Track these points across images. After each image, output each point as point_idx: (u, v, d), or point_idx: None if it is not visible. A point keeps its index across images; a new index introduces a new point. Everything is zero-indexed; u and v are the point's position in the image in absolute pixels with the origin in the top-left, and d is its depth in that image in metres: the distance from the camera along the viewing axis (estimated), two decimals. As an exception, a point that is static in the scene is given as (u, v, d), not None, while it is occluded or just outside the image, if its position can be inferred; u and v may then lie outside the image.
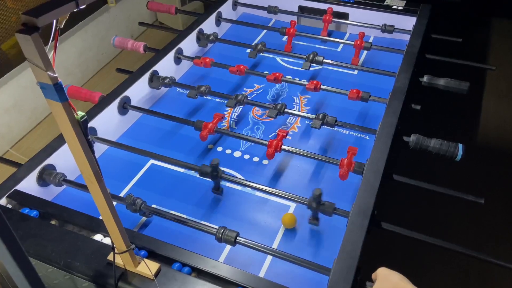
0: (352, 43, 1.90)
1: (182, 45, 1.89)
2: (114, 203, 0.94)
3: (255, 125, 1.65)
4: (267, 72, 1.74)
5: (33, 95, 2.60)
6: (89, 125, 1.43)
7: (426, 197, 1.65)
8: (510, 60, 3.27)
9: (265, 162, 1.48)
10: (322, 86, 1.63)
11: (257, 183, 1.26)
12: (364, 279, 0.97)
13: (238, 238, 1.08)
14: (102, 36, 3.12)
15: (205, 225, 1.15)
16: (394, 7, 2.09)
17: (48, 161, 1.33)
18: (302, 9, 2.26)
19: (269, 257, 1.17)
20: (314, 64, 1.80)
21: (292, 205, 1.33)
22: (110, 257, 0.98)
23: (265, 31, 2.19)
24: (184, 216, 1.25)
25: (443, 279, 1.91)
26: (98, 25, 3.08)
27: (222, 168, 1.29)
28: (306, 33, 2.03)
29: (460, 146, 1.27)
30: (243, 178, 1.39)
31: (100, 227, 1.11)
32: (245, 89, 1.83)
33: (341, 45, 2.09)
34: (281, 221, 1.27)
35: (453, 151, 1.27)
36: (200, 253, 1.05)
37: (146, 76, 1.71)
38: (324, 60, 1.77)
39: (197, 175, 1.41)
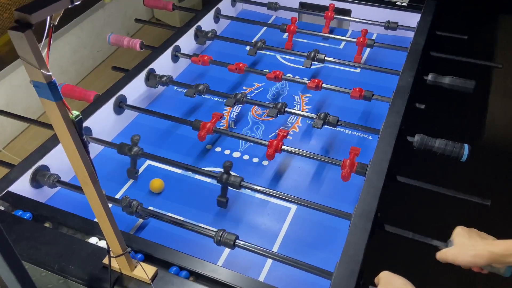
0: (355, 40, 1.90)
1: (179, 42, 1.89)
2: (110, 205, 0.94)
3: (255, 124, 1.65)
4: (267, 70, 1.75)
5: (26, 94, 2.60)
6: (84, 124, 1.42)
7: (430, 199, 1.65)
8: (517, 58, 3.27)
9: (265, 163, 1.48)
10: (323, 85, 1.63)
11: (257, 185, 1.26)
12: (367, 283, 0.97)
13: (237, 241, 1.08)
14: (97, 33, 3.12)
15: (203, 227, 1.15)
16: (398, 3, 2.10)
17: (42, 162, 1.33)
18: (303, 5, 2.26)
19: (269, 261, 1.17)
20: (315, 62, 1.80)
21: (293, 207, 1.33)
22: (105, 260, 0.98)
23: (265, 28, 2.19)
24: (182, 218, 1.25)
25: (448, 284, 1.91)
26: (93, 22, 3.09)
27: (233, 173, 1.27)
28: (307, 30, 2.03)
29: (466, 146, 1.27)
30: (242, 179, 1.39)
31: (95, 229, 1.11)
32: (244, 87, 1.84)
33: (343, 43, 2.09)
34: (150, 187, 1.36)
35: (459, 152, 1.27)
36: (198, 256, 1.05)
37: (143, 74, 1.71)
38: (326, 58, 1.77)
39: (196, 177, 1.42)
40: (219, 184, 1.27)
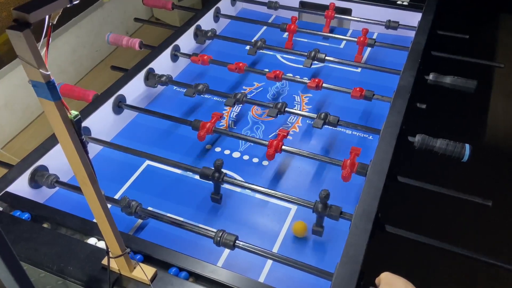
0: (355, 39, 1.90)
1: (179, 42, 1.89)
2: (109, 205, 0.94)
3: (255, 124, 1.65)
4: (267, 70, 1.75)
5: (25, 93, 2.60)
6: (83, 124, 1.43)
7: (431, 199, 1.65)
8: (519, 57, 3.27)
9: (265, 163, 1.48)
10: (324, 85, 1.63)
11: (256, 185, 1.26)
12: (368, 284, 0.97)
13: (237, 241, 1.09)
14: (96, 33, 3.12)
15: (203, 228, 1.15)
16: (399, 2, 2.10)
17: (40, 162, 1.33)
18: (303, 4, 2.26)
19: (269, 262, 1.17)
20: (315, 62, 1.80)
21: (293, 208, 1.33)
22: (104, 261, 0.98)
23: (265, 27, 2.19)
24: (181, 219, 1.25)
25: (449, 284, 1.91)
26: (92, 21, 3.08)
27: (225, 171, 1.28)
28: (308, 29, 2.03)
29: (467, 146, 1.27)
30: (242, 179, 1.39)
31: (94, 230, 1.11)
32: (244, 87, 1.84)
33: (344, 42, 2.09)
34: (292, 230, 1.26)
35: (460, 152, 1.27)
36: (198, 257, 1.05)
37: (142, 74, 1.71)
38: (326, 58, 1.77)
39: (196, 177, 1.42)
40: (227, 188, 1.27)
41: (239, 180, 1.34)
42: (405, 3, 2.09)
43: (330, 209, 1.14)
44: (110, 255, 0.93)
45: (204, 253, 1.17)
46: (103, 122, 1.55)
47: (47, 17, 0.62)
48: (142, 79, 1.71)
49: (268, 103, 1.59)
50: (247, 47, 1.96)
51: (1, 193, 1.22)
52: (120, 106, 1.60)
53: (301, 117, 1.67)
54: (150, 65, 1.74)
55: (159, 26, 2.43)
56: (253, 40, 1.93)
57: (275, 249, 1.22)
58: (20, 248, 1.05)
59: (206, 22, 2.07)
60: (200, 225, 1.19)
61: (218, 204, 1.33)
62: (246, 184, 1.27)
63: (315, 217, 1.18)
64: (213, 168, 1.26)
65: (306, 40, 2.11)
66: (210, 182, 1.28)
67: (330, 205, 1.15)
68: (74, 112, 0.71)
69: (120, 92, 1.61)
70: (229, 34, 2.07)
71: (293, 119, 1.67)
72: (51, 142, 1.37)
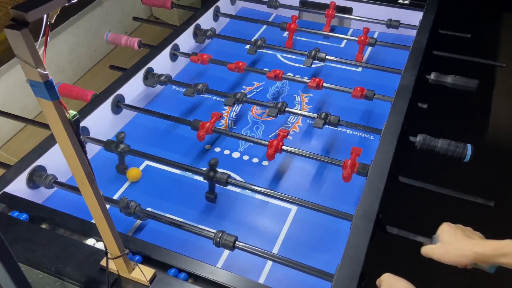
0: (356, 39, 1.90)
1: (178, 41, 1.89)
2: (107, 206, 0.94)
3: (255, 124, 1.65)
4: (267, 69, 1.75)
5: (22, 93, 2.60)
6: (81, 124, 1.43)
7: (433, 200, 1.65)
8: (521, 57, 3.27)
9: (265, 163, 1.48)
10: (324, 84, 1.63)
11: (256, 185, 1.26)
12: (369, 286, 0.97)
13: (237, 242, 1.09)
14: (94, 32, 3.12)
15: (202, 229, 1.15)
16: (400, 1, 2.10)
17: (38, 162, 1.33)
18: (303, 3, 2.26)
19: (269, 263, 1.17)
20: (316, 61, 1.80)
21: (293, 208, 1.33)
22: (103, 262, 0.98)
23: (265, 26, 2.19)
24: (181, 219, 1.25)
25: (451, 286, 1.91)
26: (91, 20, 3.08)
27: (224, 171, 1.28)
28: (308, 28, 2.03)
29: (469, 146, 1.27)
30: (242, 180, 1.39)
31: (92, 231, 1.11)
32: (244, 87, 1.84)
33: (345, 41, 2.10)
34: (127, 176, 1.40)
35: (461, 152, 1.27)
36: (197, 258, 1.05)
37: (141, 73, 1.71)
38: (327, 57, 1.77)
39: (195, 177, 1.42)
40: (217, 185, 1.27)
41: (239, 181, 1.34)
42: (406, 2, 2.09)
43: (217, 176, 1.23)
44: (109, 256, 0.93)
45: (203, 254, 1.17)
46: (101, 122, 1.55)
47: (45, 16, 0.62)
48: (141, 79, 1.71)
49: (268, 102, 1.59)
50: (247, 46, 1.96)
51: (-1, 194, 1.22)
52: (118, 105, 1.60)
53: (301, 117, 1.67)
54: (149, 65, 1.74)
55: (158, 25, 2.43)
56: (253, 39, 1.93)
57: (275, 250, 1.22)
58: (18, 249, 1.05)
59: (206, 21, 2.07)
60: (200, 226, 1.19)
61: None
62: (246, 185, 1.27)
63: (208, 185, 1.29)
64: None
65: (306, 39, 2.11)
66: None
67: (218, 171, 1.24)
68: (72, 112, 0.71)
69: (119, 91, 1.61)
70: (228, 33, 2.07)
71: (293, 119, 1.67)
72: (49, 142, 1.37)
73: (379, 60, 1.94)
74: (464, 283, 1.92)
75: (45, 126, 1.45)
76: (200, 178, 1.41)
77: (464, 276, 1.94)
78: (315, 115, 1.49)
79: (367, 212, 1.12)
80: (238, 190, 1.38)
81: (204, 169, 1.29)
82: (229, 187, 1.38)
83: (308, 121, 1.65)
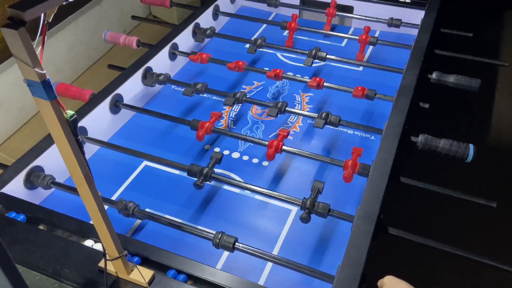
0: (357, 38, 1.90)
1: (177, 40, 1.89)
2: (106, 207, 0.94)
3: (255, 124, 1.65)
4: (267, 69, 1.75)
5: (20, 93, 2.60)
6: (79, 124, 1.43)
7: (435, 201, 1.65)
8: (524, 56, 3.27)
9: (265, 163, 1.48)
10: (325, 83, 1.63)
11: (256, 186, 1.26)
12: (370, 287, 0.97)
13: (236, 243, 1.09)
14: (93, 31, 3.12)
15: (201, 230, 1.15)
16: (402, 0, 2.10)
17: (36, 162, 1.33)
18: (304, 2, 2.27)
19: (269, 264, 1.17)
20: (316, 60, 1.80)
21: (294, 209, 1.33)
22: (101, 264, 0.98)
23: (265, 25, 2.19)
24: (180, 220, 1.25)
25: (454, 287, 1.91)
26: (89, 19, 3.08)
27: (225, 172, 1.28)
28: (308, 27, 2.03)
29: (471, 146, 1.27)
30: (242, 180, 1.39)
31: (90, 232, 1.11)
32: (244, 86, 1.84)
33: (345, 40, 2.10)
34: None
35: (464, 152, 1.27)
36: (197, 259, 1.05)
37: (140, 72, 1.71)
38: (327, 56, 1.77)
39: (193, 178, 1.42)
40: (217, 186, 1.27)
41: (238, 181, 1.34)
42: (407, 1, 2.09)
43: (318, 207, 1.16)
44: (107, 257, 0.93)
45: (203, 255, 1.17)
46: (100, 122, 1.55)
47: (42, 15, 0.62)
48: (139, 78, 1.71)
49: (268, 102, 1.59)
50: (247, 46, 1.96)
51: (-4, 194, 1.22)
52: (117, 105, 1.60)
53: (301, 117, 1.67)
54: (147, 64, 1.74)
55: (157, 24, 2.43)
56: (252, 38, 1.93)
57: (275, 251, 1.22)
58: (15, 250, 1.05)
59: (205, 20, 2.07)
60: (199, 227, 1.19)
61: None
62: (246, 185, 1.27)
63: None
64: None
65: (306, 38, 2.11)
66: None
67: (319, 203, 1.16)
68: (70, 112, 0.71)
69: (117, 91, 1.61)
70: (228, 32, 2.07)
71: (293, 119, 1.67)
72: (46, 142, 1.37)
73: (381, 59, 1.94)
74: (466, 284, 1.92)
75: (43, 126, 1.45)
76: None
77: (465, 277, 1.94)
78: (315, 115, 1.49)
79: (368, 213, 1.12)
80: (237, 190, 1.38)
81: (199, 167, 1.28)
82: (229, 188, 1.38)
83: (308, 121, 1.65)
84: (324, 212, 1.15)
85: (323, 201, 1.18)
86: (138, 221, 1.27)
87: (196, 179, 1.28)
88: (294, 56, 1.99)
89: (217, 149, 1.54)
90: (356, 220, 1.11)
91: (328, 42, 2.09)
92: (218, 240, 1.09)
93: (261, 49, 1.94)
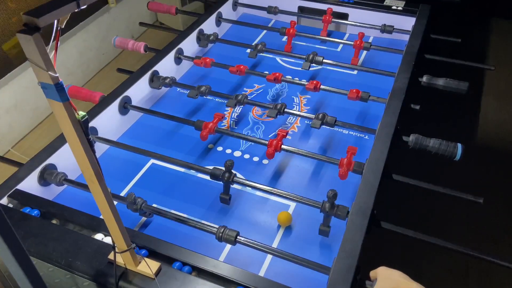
0: (352, 43, 1.90)
1: (182, 45, 1.89)
2: (115, 202, 0.94)
3: (255, 125, 1.65)
4: (267, 72, 1.74)
5: (34, 95, 2.60)
6: (90, 124, 1.43)
7: (425, 197, 1.65)
8: (509, 60, 3.27)
9: (265, 161, 1.48)
10: (321, 86, 1.63)
11: (257, 183, 1.26)
12: (364, 278, 0.97)
13: (238, 237, 1.08)
14: (102, 37, 3.12)
15: (205, 224, 1.15)
16: (394, 7, 2.09)
17: (49, 160, 1.33)
18: (302, 9, 2.26)
19: (269, 256, 1.17)
20: (314, 64, 1.80)
21: (292, 205, 1.33)
22: (111, 256, 0.98)
23: (265, 31, 2.19)
24: (185, 215, 1.25)
25: (442, 278, 1.91)
26: (99, 26, 3.08)
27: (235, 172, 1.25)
28: (306, 33, 2.03)
29: (459, 145, 1.27)
30: (243, 177, 1.39)
31: (101, 226, 1.11)
32: (245, 89, 1.83)
33: (341, 45, 2.09)
34: (278, 220, 1.26)
35: (452, 151, 1.27)
36: (201, 252, 1.05)
37: (147, 76, 1.71)
38: (324, 60, 1.77)
39: (198, 175, 1.42)
40: (220, 183, 1.27)
41: (247, 180, 1.34)
42: (399, 8, 2.09)
43: (337, 209, 1.13)
44: (116, 250, 0.93)
45: (206, 248, 1.16)
46: (109, 122, 1.55)
47: (55, 21, 0.62)
48: (147, 81, 1.71)
49: (268, 104, 1.58)
50: (248, 50, 1.95)
51: (12, 191, 1.22)
52: (126, 107, 1.60)
53: (299, 118, 1.67)
54: (154, 68, 1.74)
55: (163, 30, 2.43)
56: (253, 44, 1.93)
57: (274, 244, 1.22)
58: (29, 244, 1.05)
59: (209, 26, 2.07)
60: (203, 221, 1.19)
61: (227, 205, 1.31)
62: (247, 182, 1.27)
63: (323, 217, 1.17)
64: (223, 168, 1.24)
65: (304, 43, 2.11)
66: (220, 182, 1.26)
67: (337, 205, 1.13)
68: (81, 113, 0.71)
69: (126, 93, 1.60)
70: (230, 38, 2.07)
71: (292, 120, 1.67)
72: (59, 141, 1.37)
73: (374, 64, 1.94)
74: (455, 275, 1.92)
75: (56, 126, 1.45)
76: (204, 176, 1.41)
77: (455, 269, 1.94)
78: (312, 116, 1.49)
79: (362, 208, 1.12)
80: (239, 187, 1.38)
81: (211, 167, 1.28)
82: (232, 185, 1.38)
83: (306, 121, 1.65)
84: (343, 214, 1.12)
85: (320, 197, 1.18)
86: (145, 218, 1.27)
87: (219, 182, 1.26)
88: (292, 60, 1.99)
89: (219, 148, 1.54)
90: (351, 215, 1.11)
91: (325, 47, 2.09)
92: (220, 234, 1.09)
93: (261, 54, 1.94)
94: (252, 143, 1.53)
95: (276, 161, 1.48)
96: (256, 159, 1.50)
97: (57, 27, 0.63)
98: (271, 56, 2.02)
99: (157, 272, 0.98)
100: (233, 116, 1.69)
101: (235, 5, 2.30)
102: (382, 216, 1.16)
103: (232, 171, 1.25)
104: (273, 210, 1.32)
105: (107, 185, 0.82)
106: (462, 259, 1.92)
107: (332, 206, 1.12)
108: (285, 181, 1.42)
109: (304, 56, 1.80)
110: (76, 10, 0.64)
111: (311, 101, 1.76)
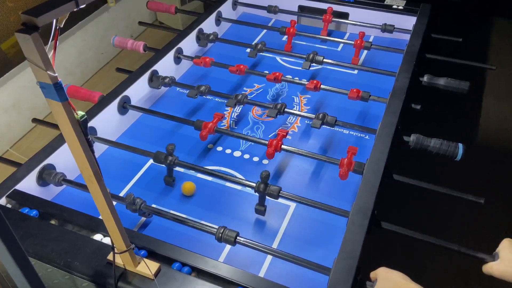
0: (352, 42, 1.90)
1: (182, 44, 1.89)
2: (114, 202, 0.94)
3: (255, 124, 1.65)
4: (267, 72, 1.74)
5: (33, 94, 2.60)
6: (89, 124, 1.42)
7: (426, 197, 1.64)
8: (510, 60, 3.27)
9: (265, 161, 1.48)
10: (322, 86, 1.63)
11: (257, 183, 1.26)
12: (364, 279, 0.97)
13: (238, 237, 1.08)
14: (101, 36, 3.12)
15: (205, 224, 1.15)
16: (394, 6, 2.09)
17: (48, 160, 1.33)
18: (302, 8, 2.26)
19: (269, 257, 1.17)
20: (314, 64, 1.80)
21: (292, 205, 1.33)
22: (110, 257, 0.98)
23: (265, 30, 2.19)
24: (184, 215, 1.24)
25: (443, 279, 1.91)
26: (98, 25, 3.08)
27: (226, 169, 1.27)
28: (306, 32, 2.03)
29: (460, 145, 1.27)
30: (243, 177, 1.39)
31: (100, 226, 1.11)
32: (245, 88, 1.83)
33: (341, 45, 2.09)
34: (182, 190, 1.34)
35: (453, 151, 1.27)
36: (200, 253, 1.05)
37: (146, 75, 1.71)
38: (324, 60, 1.77)
39: (198, 175, 1.42)
40: (219, 183, 1.27)
41: (241, 179, 1.34)
42: (400, 7, 2.09)
43: (269, 188, 1.19)
44: (115, 250, 0.93)
45: (206, 248, 1.16)
46: (108, 122, 1.55)
47: (54, 20, 0.62)
48: (146, 81, 1.71)
49: (268, 104, 1.58)
50: (248, 50, 1.95)
51: (10, 191, 1.22)
52: (125, 106, 1.60)
53: (299, 118, 1.67)
54: (154, 67, 1.74)
55: (163, 29, 2.43)
56: (253, 43, 1.93)
57: (274, 245, 1.22)
58: (28, 244, 1.05)
59: (208, 25, 2.07)
60: (202, 222, 1.19)
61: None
62: (247, 182, 1.27)
63: (257, 197, 1.23)
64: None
65: (304, 43, 2.11)
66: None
67: (270, 185, 1.20)
68: (80, 113, 0.71)
69: (125, 93, 1.60)
70: (230, 37, 2.07)
71: (292, 120, 1.67)
72: (58, 141, 1.37)
73: (374, 63, 1.94)
74: (456, 276, 1.92)
75: (55, 126, 1.45)
76: (203, 176, 1.41)
77: (455, 270, 1.94)
78: (313, 116, 1.49)
79: (362, 209, 1.12)
80: (239, 187, 1.38)
81: (211, 167, 1.28)
82: (231, 185, 1.38)
83: (306, 121, 1.65)
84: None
85: (320, 197, 1.18)
86: (144, 218, 1.27)
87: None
88: (292, 60, 1.99)
89: (219, 148, 1.54)
90: (352, 215, 1.11)
91: (325, 47, 2.09)
92: (220, 234, 1.09)
93: (261, 53, 1.94)
94: (252, 143, 1.53)
95: (276, 161, 1.48)
96: (256, 159, 1.50)
97: (56, 27, 0.63)
98: (271, 55, 2.02)
99: (157, 273, 0.98)
100: (233, 116, 1.69)
101: (235, 4, 2.30)
102: (382, 216, 1.16)
103: (230, 171, 1.25)
104: (273, 210, 1.32)
105: (106, 185, 0.82)
106: (463, 259, 1.91)
107: (265, 186, 1.19)
108: (285, 181, 1.42)
109: (304, 56, 1.80)
110: (75, 9, 0.64)
111: (311, 101, 1.76)
